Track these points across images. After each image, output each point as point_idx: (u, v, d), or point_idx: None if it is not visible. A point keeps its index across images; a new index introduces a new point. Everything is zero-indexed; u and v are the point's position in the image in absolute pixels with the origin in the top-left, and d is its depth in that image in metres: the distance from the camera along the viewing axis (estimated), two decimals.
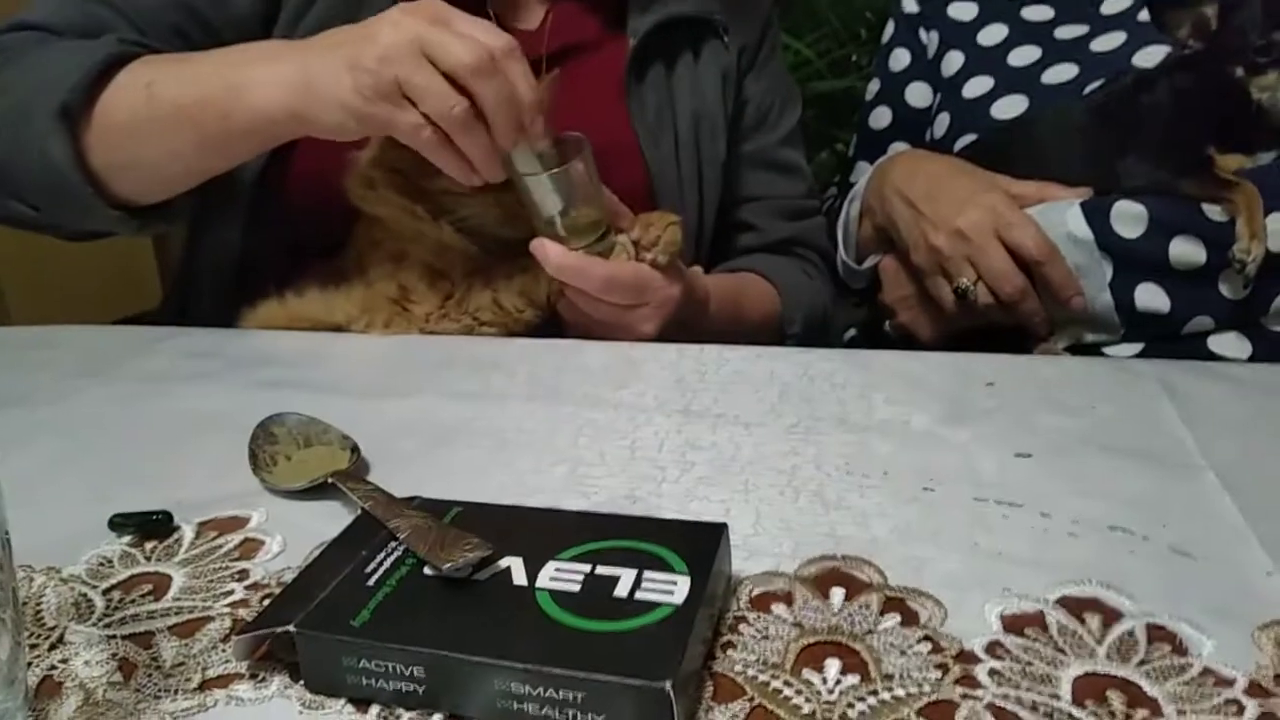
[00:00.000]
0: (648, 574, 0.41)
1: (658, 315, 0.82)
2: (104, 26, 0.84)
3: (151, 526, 0.54)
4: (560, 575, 0.42)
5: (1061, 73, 1.04)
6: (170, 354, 0.80)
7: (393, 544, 0.46)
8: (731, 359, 0.75)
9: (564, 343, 0.81)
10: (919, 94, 1.20)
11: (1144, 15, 1.02)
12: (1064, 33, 1.08)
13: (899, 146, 1.21)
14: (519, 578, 0.42)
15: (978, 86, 1.09)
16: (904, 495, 0.54)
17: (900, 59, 1.21)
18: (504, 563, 0.43)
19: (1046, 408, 0.65)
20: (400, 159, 0.79)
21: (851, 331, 1.24)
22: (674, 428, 0.64)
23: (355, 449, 0.60)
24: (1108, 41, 1.03)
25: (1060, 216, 0.90)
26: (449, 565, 0.42)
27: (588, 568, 0.42)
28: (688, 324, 0.85)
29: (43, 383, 0.74)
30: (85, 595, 0.49)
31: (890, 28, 1.24)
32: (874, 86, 1.25)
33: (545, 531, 0.46)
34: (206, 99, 0.76)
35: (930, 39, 1.18)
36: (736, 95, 1.07)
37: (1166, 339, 0.90)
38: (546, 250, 0.78)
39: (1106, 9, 1.07)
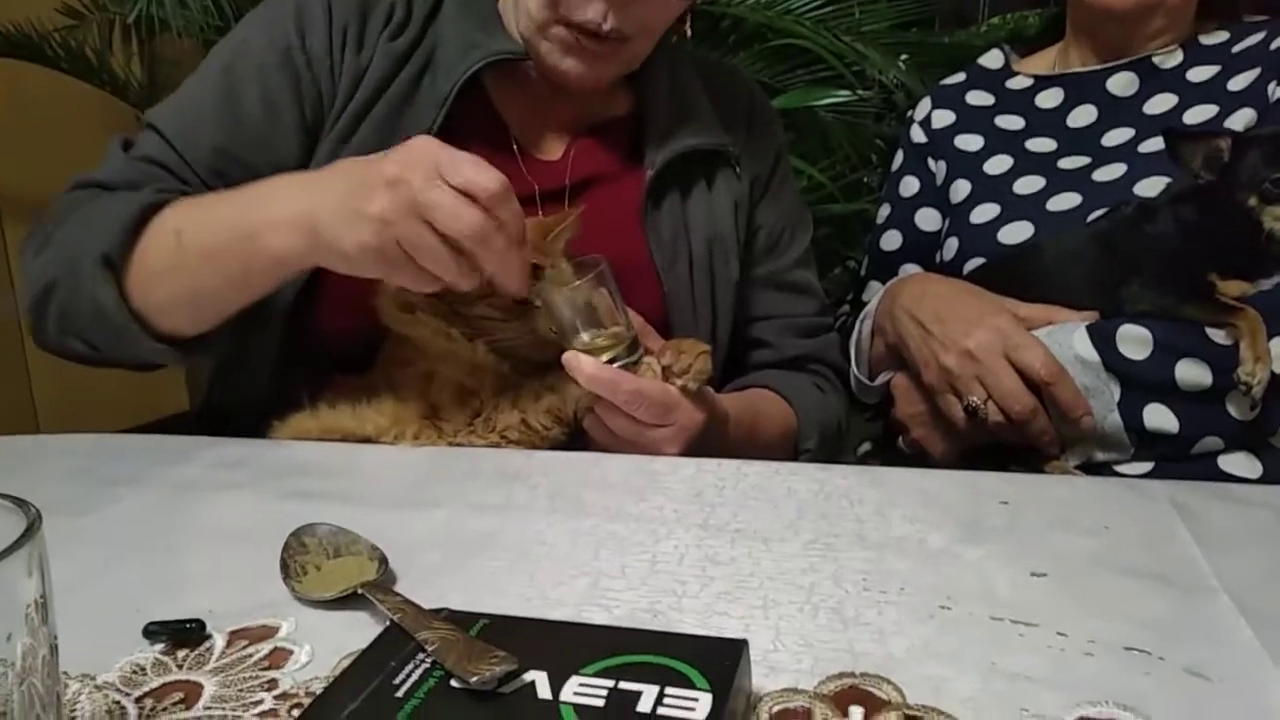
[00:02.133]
0: (670, 690, 0.42)
1: (681, 437, 0.84)
2: (150, 178, 0.92)
3: (184, 635, 0.55)
4: (584, 690, 0.43)
5: (1065, 201, 1.08)
6: (202, 464, 0.82)
7: (421, 655, 0.47)
8: (749, 474, 0.77)
9: (585, 455, 0.83)
10: (928, 218, 1.24)
11: (1145, 147, 1.07)
12: (1067, 163, 1.12)
13: (909, 268, 1.25)
14: (544, 691, 0.43)
15: (985, 213, 1.13)
16: (921, 613, 0.55)
17: (910, 185, 1.26)
18: (529, 676, 0.44)
19: (1060, 527, 0.66)
20: None
21: (866, 446, 1.26)
22: (694, 541, 0.65)
23: (383, 560, 0.61)
24: (1109, 172, 1.08)
25: (1067, 339, 0.93)
26: (476, 678, 0.43)
27: (611, 683, 0.43)
28: (707, 444, 0.87)
29: (78, 492, 0.76)
30: (119, 703, 0.50)
31: (900, 156, 1.30)
32: (885, 211, 1.30)
33: (569, 645, 0.47)
34: (227, 245, 0.82)
35: (939, 168, 1.23)
36: (749, 222, 1.11)
37: (1177, 459, 0.91)
38: (580, 363, 0.81)
39: (1108, 141, 1.12)
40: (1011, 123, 1.20)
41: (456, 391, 0.87)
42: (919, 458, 1.08)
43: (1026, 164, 1.14)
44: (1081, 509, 0.70)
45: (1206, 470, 0.90)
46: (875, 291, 1.25)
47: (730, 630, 0.54)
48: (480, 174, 0.74)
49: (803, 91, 1.80)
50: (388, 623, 0.52)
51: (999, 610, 0.55)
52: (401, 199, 0.73)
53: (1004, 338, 0.94)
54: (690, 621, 0.55)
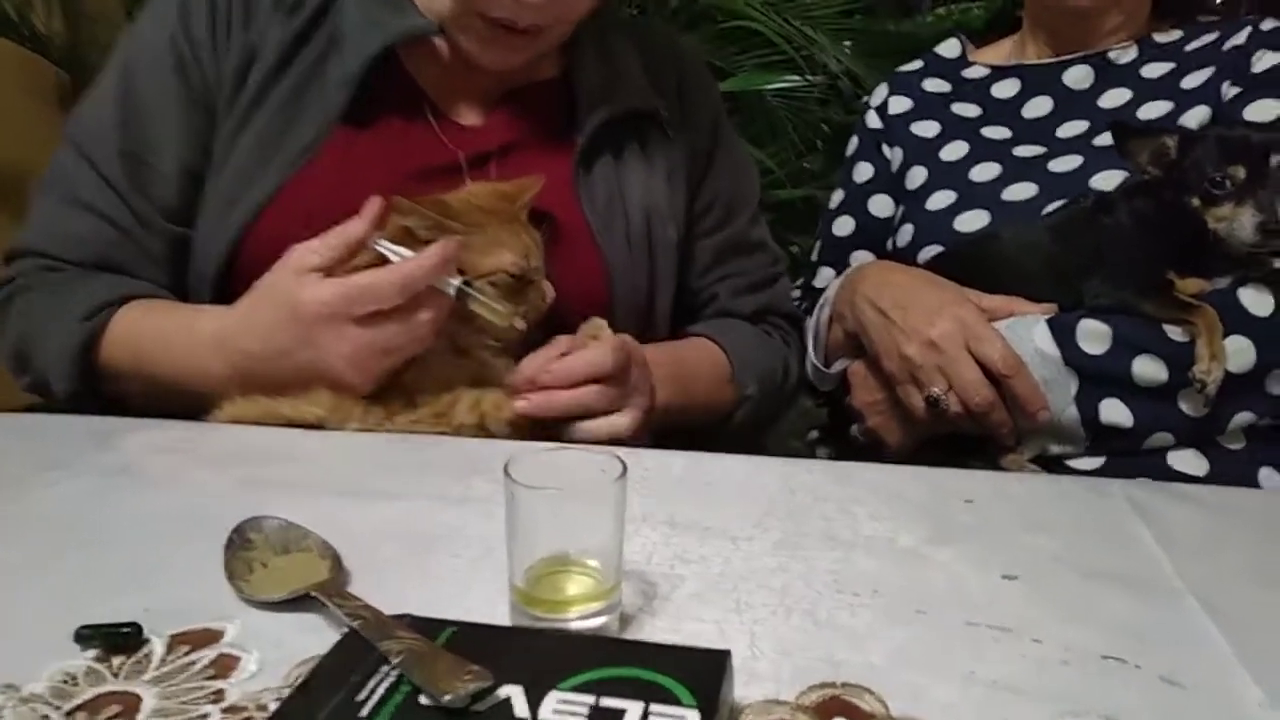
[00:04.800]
0: (655, 707, 0.40)
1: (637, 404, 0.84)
2: (81, 236, 0.93)
3: (120, 640, 0.51)
4: (564, 707, 0.41)
5: (1021, 190, 1.08)
6: (137, 447, 0.78)
7: (385, 667, 0.44)
8: (715, 467, 0.75)
9: (545, 446, 0.80)
10: (881, 205, 1.23)
11: (1100, 140, 1.07)
12: (1022, 152, 1.12)
13: (860, 254, 1.24)
14: (520, 709, 0.41)
15: (940, 200, 1.13)
16: (896, 617, 0.54)
17: (864, 171, 1.25)
18: (504, 692, 0.42)
19: (1025, 527, 0.66)
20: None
21: (814, 433, 1.25)
22: (661, 540, 0.63)
23: (336, 558, 0.58)
24: (1065, 163, 1.08)
25: (1027, 332, 0.92)
26: (448, 696, 0.41)
27: (592, 699, 0.41)
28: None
29: (3, 477, 0.71)
30: (47, 717, 0.46)
31: (854, 142, 1.29)
32: (838, 196, 1.29)
33: (545, 656, 0.44)
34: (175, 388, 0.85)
35: (894, 154, 1.22)
36: (696, 196, 1.10)
37: (1127, 454, 0.92)
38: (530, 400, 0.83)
39: (1063, 133, 1.12)
40: (968, 110, 1.20)
41: (412, 380, 0.83)
42: (872, 447, 1.08)
43: (982, 151, 1.14)
44: (1043, 508, 0.70)
45: (1155, 466, 0.91)
46: (827, 278, 1.24)
47: (705, 636, 0.52)
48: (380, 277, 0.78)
49: (751, 75, 1.78)
50: (345, 629, 0.49)
51: (973, 614, 0.55)
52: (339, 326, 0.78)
53: (966, 328, 0.93)
54: (663, 625, 0.53)
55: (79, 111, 0.97)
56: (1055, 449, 0.94)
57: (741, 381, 1.06)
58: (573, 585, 0.52)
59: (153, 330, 0.87)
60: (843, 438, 1.17)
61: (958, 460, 0.99)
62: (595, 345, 0.86)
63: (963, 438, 0.98)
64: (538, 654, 0.45)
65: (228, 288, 0.91)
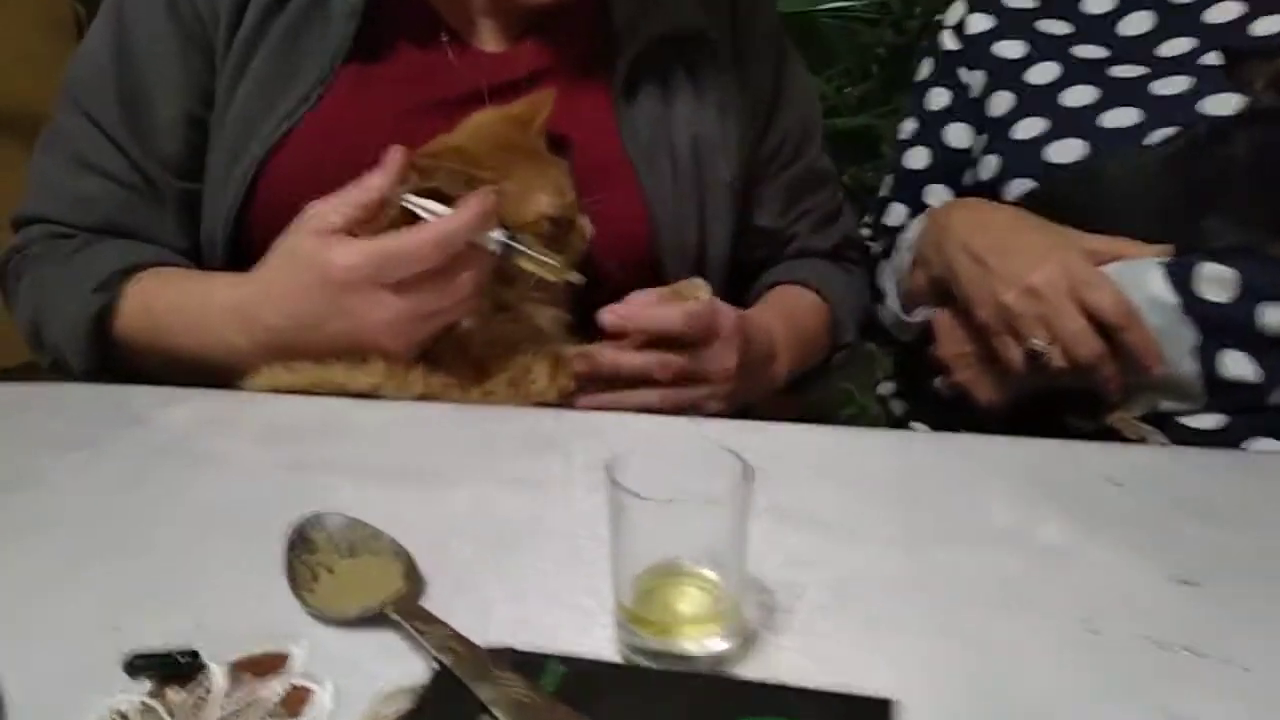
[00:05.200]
0: None
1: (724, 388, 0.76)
2: (87, 198, 0.86)
3: (176, 669, 0.45)
4: None
5: (1122, 117, 0.98)
6: (172, 424, 0.71)
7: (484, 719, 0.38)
8: (811, 441, 0.68)
9: (622, 417, 0.73)
10: (959, 135, 1.13)
11: (1208, 59, 0.97)
12: (1120, 72, 1.02)
13: (937, 189, 1.14)
14: None
15: (1030, 128, 1.03)
16: (1064, 635, 0.47)
17: (939, 98, 1.15)
18: None
19: (1193, 517, 0.58)
20: None
21: (889, 386, 1.18)
22: (769, 533, 0.56)
23: (409, 561, 0.51)
24: (1170, 85, 0.97)
25: (1140, 277, 0.84)
26: None
27: None
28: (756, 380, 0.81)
29: (16, 459, 0.65)
30: None
31: (926, 66, 1.18)
32: (909, 126, 1.18)
33: (672, 705, 0.37)
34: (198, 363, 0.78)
35: (973, 78, 1.11)
36: (762, 136, 1.02)
37: (1251, 410, 0.84)
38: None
39: (1165, 51, 1.01)
40: (1056, 27, 1.09)
41: (462, 342, 0.76)
42: (957, 402, 1.00)
43: (1075, 73, 1.03)
44: (1211, 491, 0.62)
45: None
46: (900, 215, 1.15)
47: (841, 660, 0.45)
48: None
49: None
50: (434, 665, 0.42)
51: (1154, 631, 0.47)
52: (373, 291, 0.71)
53: (1071, 275, 0.84)
54: (790, 647, 0.46)
55: (73, 64, 0.89)
56: (1168, 405, 0.86)
57: (842, 330, 1.00)
58: (686, 601, 0.45)
59: (168, 302, 0.81)
60: (920, 390, 1.09)
61: (1055, 418, 0.92)
62: (674, 305, 0.78)
63: (1062, 393, 0.90)
64: (664, 701, 0.38)
65: (240, 249, 0.84)
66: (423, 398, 0.74)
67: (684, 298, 0.80)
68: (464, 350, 0.76)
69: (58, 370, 0.85)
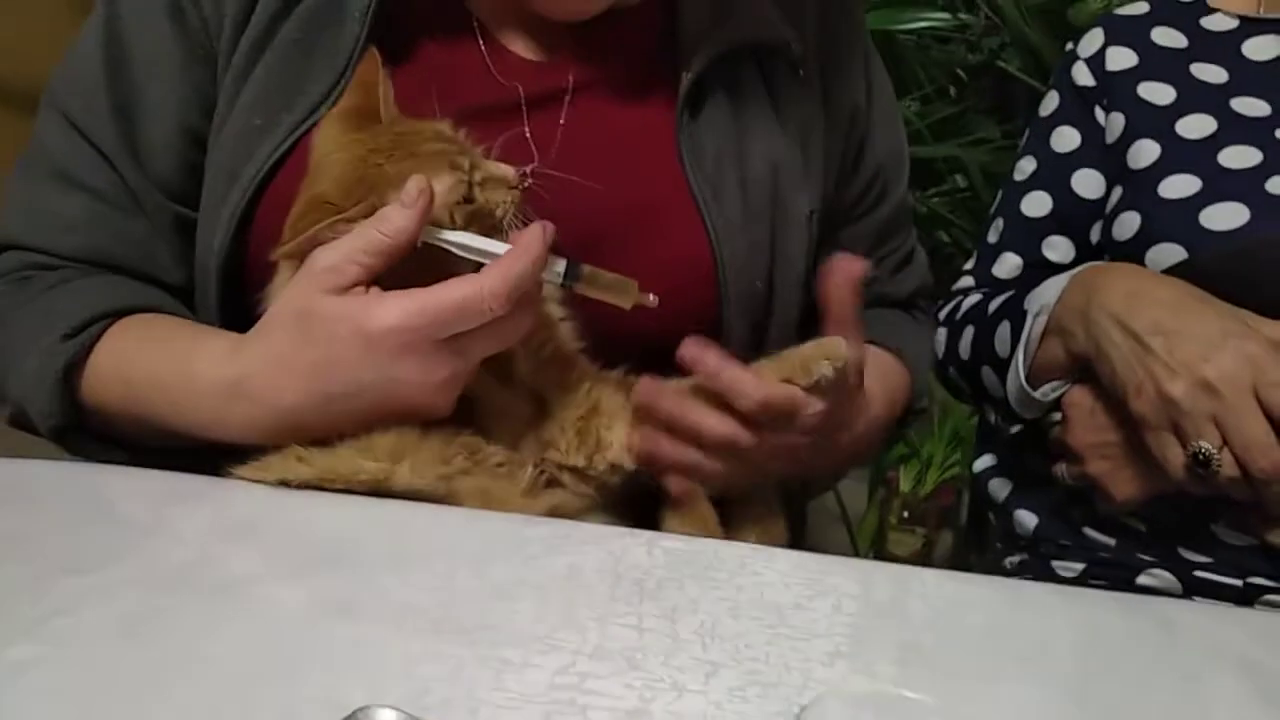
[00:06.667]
0: None
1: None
2: (66, 218, 0.76)
3: None
4: None
5: None
6: (187, 535, 0.58)
7: None
8: (953, 591, 0.55)
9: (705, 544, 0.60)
10: (1088, 182, 1.00)
11: None
12: None
13: (1057, 240, 1.01)
14: None
15: (1180, 186, 0.89)
16: None
17: (1067, 139, 1.02)
18: None
19: None
20: None
21: (988, 460, 1.05)
22: None
23: None
24: None
25: None
26: None
27: None
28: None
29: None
30: None
31: (1054, 100, 1.04)
32: (1027, 166, 1.05)
33: None
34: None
35: (1111, 121, 0.98)
36: (852, 170, 0.91)
37: None
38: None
39: None
40: (1211, 74, 0.95)
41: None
42: (1082, 493, 0.87)
43: (1235, 129, 0.90)
44: None
45: None
46: (1013, 267, 1.02)
47: None
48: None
49: (892, 11, 1.52)
50: None
51: None
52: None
53: (1256, 369, 0.72)
54: None
55: (58, 72, 0.79)
56: None
57: (919, 395, 0.92)
58: None
59: (147, 372, 0.70)
60: (1028, 472, 0.97)
61: (1201, 525, 0.82)
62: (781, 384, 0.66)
63: (1214, 497, 0.77)
64: None
65: (235, 281, 0.74)
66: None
67: (810, 373, 0.67)
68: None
69: (19, 426, 0.74)
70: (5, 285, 0.76)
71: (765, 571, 0.57)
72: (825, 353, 0.67)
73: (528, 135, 0.76)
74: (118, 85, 0.75)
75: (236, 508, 0.60)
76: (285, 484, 0.62)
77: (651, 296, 0.66)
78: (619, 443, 0.68)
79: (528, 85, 0.78)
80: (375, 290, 0.61)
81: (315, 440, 0.63)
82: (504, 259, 0.60)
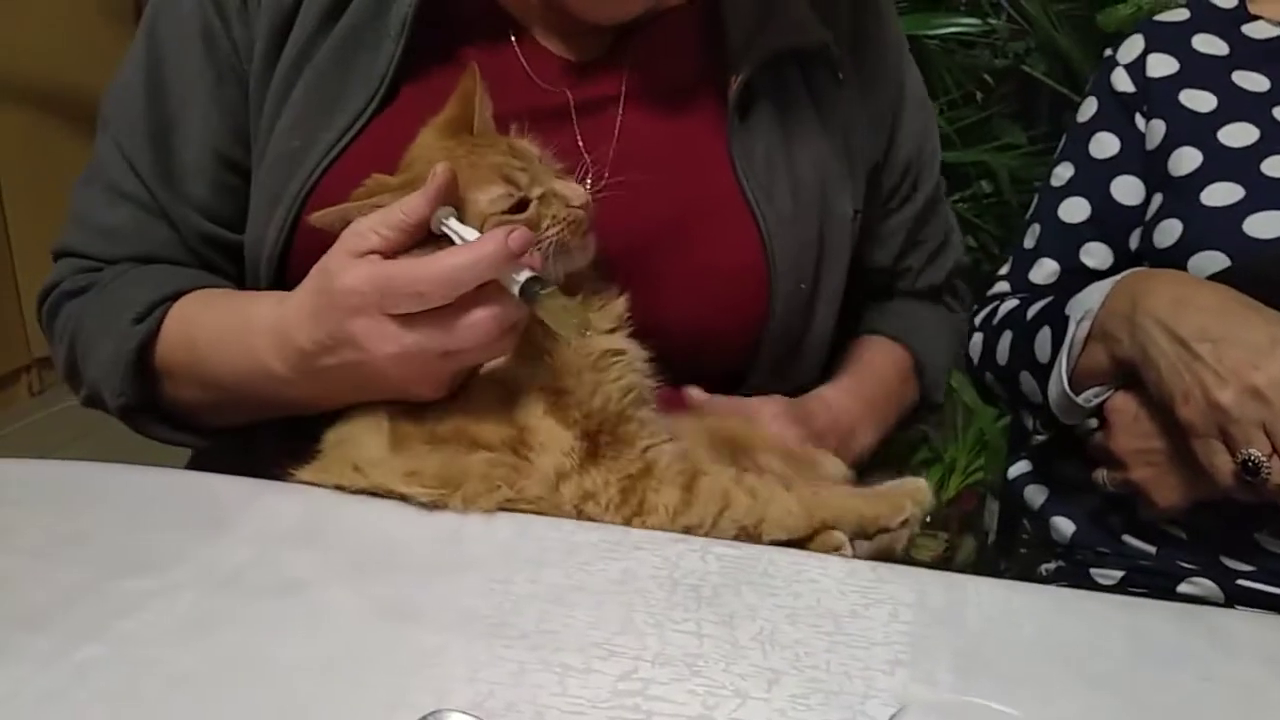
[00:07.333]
0: None
1: None
2: (121, 232, 0.80)
3: None
4: None
5: None
6: (243, 533, 0.58)
7: None
8: (1005, 599, 0.55)
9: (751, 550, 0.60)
10: (1128, 189, 0.99)
11: None
12: None
13: (1095, 247, 1.00)
14: None
15: (1222, 194, 0.89)
16: None
17: (1106, 144, 1.01)
18: None
19: None
20: None
21: (1023, 466, 1.04)
22: None
23: None
24: None
25: None
26: None
27: None
28: None
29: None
30: None
31: (1092, 105, 1.04)
32: (1065, 172, 1.05)
33: None
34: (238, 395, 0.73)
35: (1152, 128, 0.98)
36: (882, 165, 0.92)
37: None
38: None
39: None
40: (1253, 82, 0.95)
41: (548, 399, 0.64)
42: (1123, 501, 0.87)
43: (1278, 139, 0.90)
44: None
45: None
46: (1050, 273, 1.02)
47: None
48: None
49: (921, 17, 1.52)
50: None
51: None
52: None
53: None
54: None
55: (108, 93, 0.82)
56: None
57: (935, 390, 0.95)
58: None
59: (209, 326, 0.74)
60: (1065, 478, 0.96)
61: (1238, 531, 0.81)
62: None
63: (1259, 506, 0.77)
64: None
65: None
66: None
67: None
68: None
69: (93, 406, 0.79)
70: (69, 285, 0.80)
71: (821, 579, 0.57)
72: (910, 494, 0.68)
73: (579, 143, 0.76)
74: (154, 113, 0.79)
75: (294, 511, 0.60)
76: (341, 489, 0.62)
77: (589, 333, 0.65)
78: (666, 509, 0.63)
79: (576, 92, 0.78)
80: (374, 257, 0.62)
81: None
82: (456, 250, 0.61)
